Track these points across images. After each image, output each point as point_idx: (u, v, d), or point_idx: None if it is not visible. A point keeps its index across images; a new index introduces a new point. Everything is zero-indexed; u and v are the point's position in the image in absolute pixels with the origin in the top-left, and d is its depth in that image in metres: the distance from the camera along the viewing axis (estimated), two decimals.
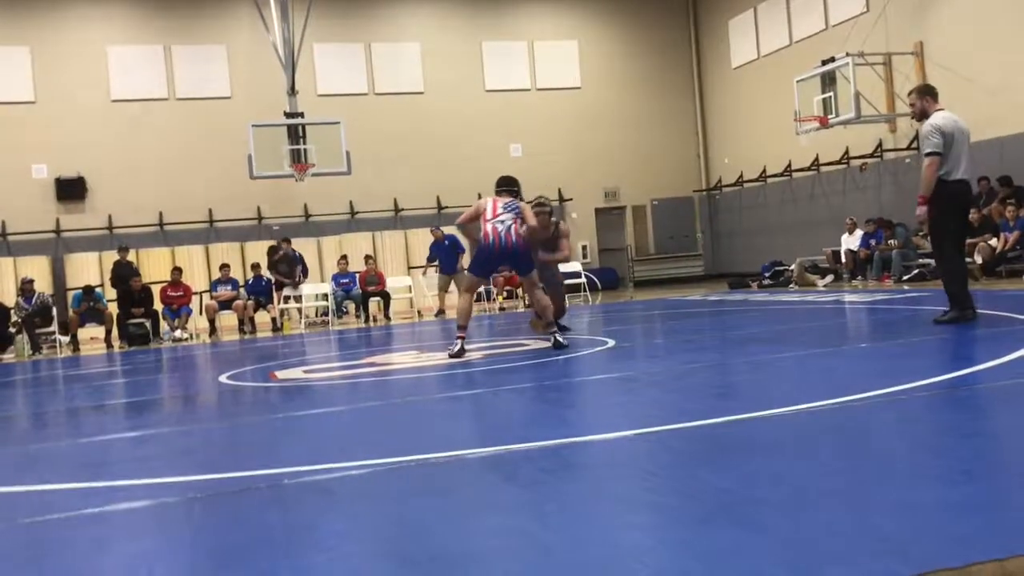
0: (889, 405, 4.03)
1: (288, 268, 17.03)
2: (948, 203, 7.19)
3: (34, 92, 19.29)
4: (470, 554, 2.48)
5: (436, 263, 17.19)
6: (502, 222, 7.89)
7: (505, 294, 17.84)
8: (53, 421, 6.44)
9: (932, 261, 14.75)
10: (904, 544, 2.23)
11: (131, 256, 17.39)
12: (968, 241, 13.83)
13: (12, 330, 14.92)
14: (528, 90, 22.60)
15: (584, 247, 22.98)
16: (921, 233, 15.47)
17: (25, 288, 15.29)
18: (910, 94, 7.76)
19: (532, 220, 8.06)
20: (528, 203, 8.47)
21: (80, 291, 15.83)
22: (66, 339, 15.22)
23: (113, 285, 16.24)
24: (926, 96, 7.55)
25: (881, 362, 5.77)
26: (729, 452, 3.42)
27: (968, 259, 13.78)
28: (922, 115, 7.53)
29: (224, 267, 16.76)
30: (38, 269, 17.98)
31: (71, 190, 19.28)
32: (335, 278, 17.37)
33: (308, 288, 17.63)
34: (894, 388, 4.35)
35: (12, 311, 15.16)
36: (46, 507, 3.38)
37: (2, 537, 3.05)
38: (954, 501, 2.55)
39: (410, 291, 18.31)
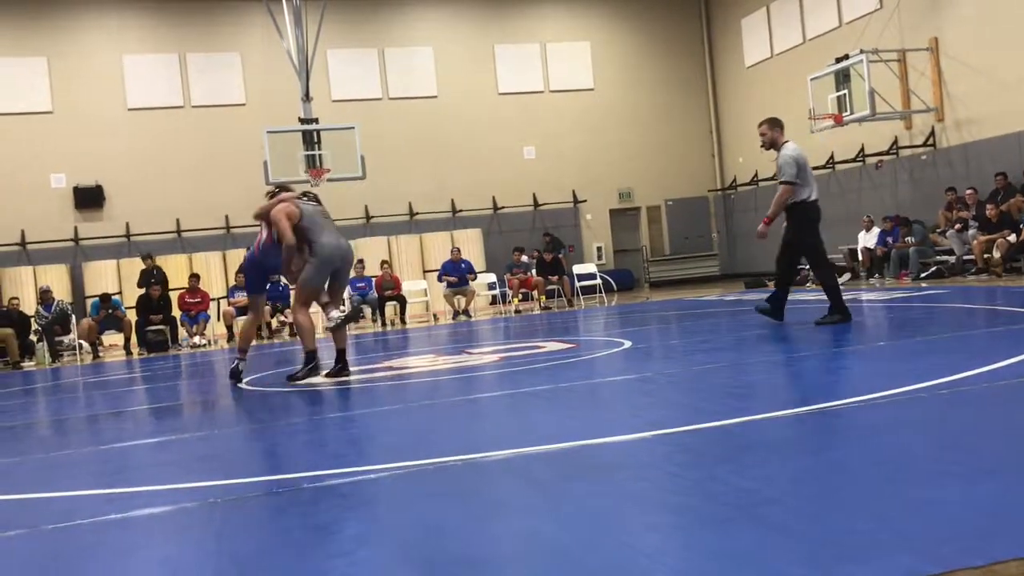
0: (909, 403, 4.00)
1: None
2: (810, 223, 7.97)
3: (51, 102, 19.46)
4: (488, 557, 2.48)
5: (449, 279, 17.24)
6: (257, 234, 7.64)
7: (521, 296, 17.85)
8: (74, 428, 6.49)
9: (950, 258, 14.69)
10: (927, 542, 2.21)
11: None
12: (987, 237, 13.78)
13: (33, 338, 15.05)
14: (541, 92, 22.60)
15: (599, 248, 22.96)
16: (940, 231, 15.39)
17: (44, 297, 15.42)
18: (761, 125, 8.46)
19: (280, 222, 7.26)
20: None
21: (98, 299, 15.95)
22: (86, 346, 15.34)
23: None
24: (776, 128, 8.29)
25: (900, 360, 5.74)
26: (748, 452, 3.41)
27: (987, 254, 13.70)
28: (771, 144, 8.24)
29: (241, 273, 16.84)
30: (57, 277, 18.12)
31: (89, 199, 19.45)
32: (351, 282, 17.41)
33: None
34: (914, 386, 4.32)
35: (32, 319, 15.30)
36: (69, 513, 3.40)
37: (26, 543, 3.08)
38: (977, 499, 2.53)
39: (426, 295, 18.35)
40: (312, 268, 7.32)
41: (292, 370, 7.73)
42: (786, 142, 8.16)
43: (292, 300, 7.71)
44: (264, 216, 7.57)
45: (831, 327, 7.67)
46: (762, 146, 8.51)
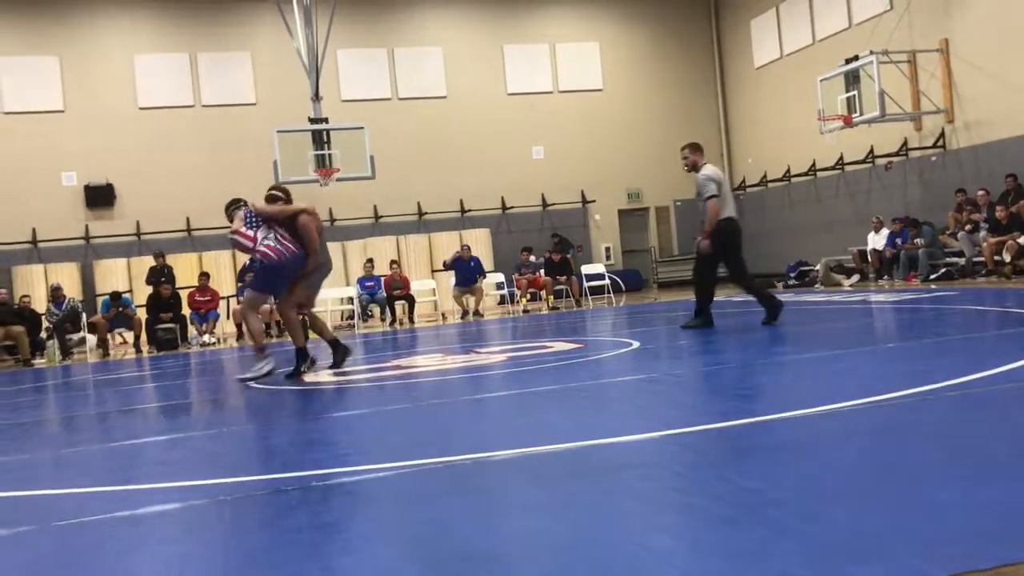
0: (917, 405, 4.00)
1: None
2: (722, 238, 8.82)
3: (63, 101, 19.56)
4: (497, 555, 2.49)
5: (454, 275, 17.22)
6: (271, 239, 7.63)
7: (529, 296, 17.85)
8: (84, 425, 6.53)
9: (959, 260, 14.65)
10: (934, 545, 2.22)
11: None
12: (997, 239, 13.73)
13: (43, 336, 15.13)
14: (550, 92, 22.60)
15: (607, 249, 22.95)
16: (949, 232, 15.35)
17: (55, 294, 15.50)
18: (683, 149, 9.23)
19: (268, 208, 7.80)
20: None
21: (108, 297, 16.02)
22: (93, 339, 15.40)
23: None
24: (697, 151, 9.09)
25: (908, 362, 5.73)
26: (755, 453, 3.42)
27: (997, 256, 13.65)
28: (693, 167, 9.06)
29: (249, 272, 16.87)
30: (68, 275, 18.21)
31: (100, 197, 19.54)
32: (360, 281, 17.47)
33: (334, 292, 17.74)
34: (922, 388, 4.32)
35: (43, 317, 15.38)
36: (79, 510, 3.43)
37: (35, 539, 3.10)
38: (984, 501, 2.53)
39: (434, 294, 18.38)
40: (311, 277, 7.95)
41: (288, 369, 7.82)
42: (705, 164, 9.03)
43: (281, 299, 7.95)
44: (286, 217, 7.75)
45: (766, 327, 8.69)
46: (685, 168, 9.31)
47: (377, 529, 2.87)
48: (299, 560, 2.56)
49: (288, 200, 7.99)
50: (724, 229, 8.82)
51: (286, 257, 7.62)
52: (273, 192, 8.19)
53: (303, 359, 7.76)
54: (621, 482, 3.18)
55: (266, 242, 7.63)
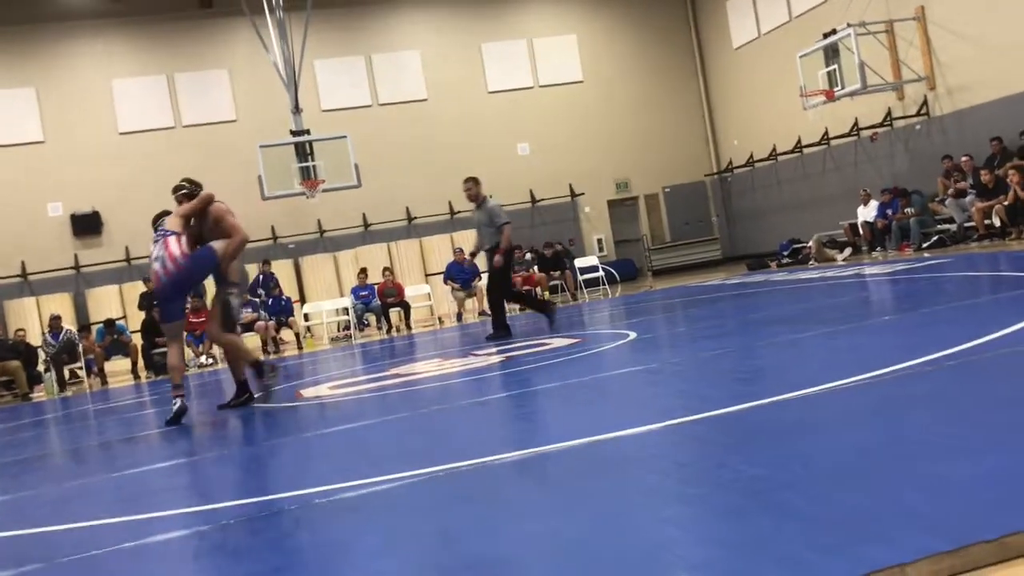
0: (917, 378, 3.99)
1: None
2: (510, 257, 10.42)
3: (43, 132, 19.49)
4: (505, 559, 2.48)
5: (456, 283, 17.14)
6: (157, 259, 7.02)
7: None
8: (86, 457, 6.50)
9: (951, 227, 14.66)
10: (939, 519, 2.21)
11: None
12: (983, 204, 13.75)
13: (41, 368, 15.07)
14: (531, 88, 22.59)
15: (599, 240, 22.94)
16: (939, 199, 15.36)
17: (52, 325, 15.44)
18: (466, 182, 10.50)
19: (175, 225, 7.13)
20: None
21: (102, 325, 15.96)
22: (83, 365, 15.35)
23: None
24: (479, 184, 10.44)
25: (906, 334, 5.73)
26: (757, 437, 3.41)
27: (987, 220, 13.68)
28: (475, 198, 10.40)
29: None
30: (60, 306, 18.13)
31: (87, 225, 19.48)
32: (354, 291, 17.43)
33: (328, 303, 17.72)
34: (921, 359, 4.31)
35: (39, 349, 15.32)
36: (84, 544, 3.41)
37: None
38: (987, 472, 2.52)
39: (429, 299, 18.34)
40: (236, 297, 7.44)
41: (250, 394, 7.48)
42: (486, 196, 10.44)
43: (216, 326, 7.43)
44: (201, 214, 7.39)
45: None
46: (469, 199, 10.57)
47: (382, 542, 2.85)
48: None
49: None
50: (510, 250, 10.36)
51: (179, 270, 6.95)
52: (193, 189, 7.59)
53: (259, 374, 7.28)
54: (625, 476, 3.17)
55: (154, 264, 7.04)
